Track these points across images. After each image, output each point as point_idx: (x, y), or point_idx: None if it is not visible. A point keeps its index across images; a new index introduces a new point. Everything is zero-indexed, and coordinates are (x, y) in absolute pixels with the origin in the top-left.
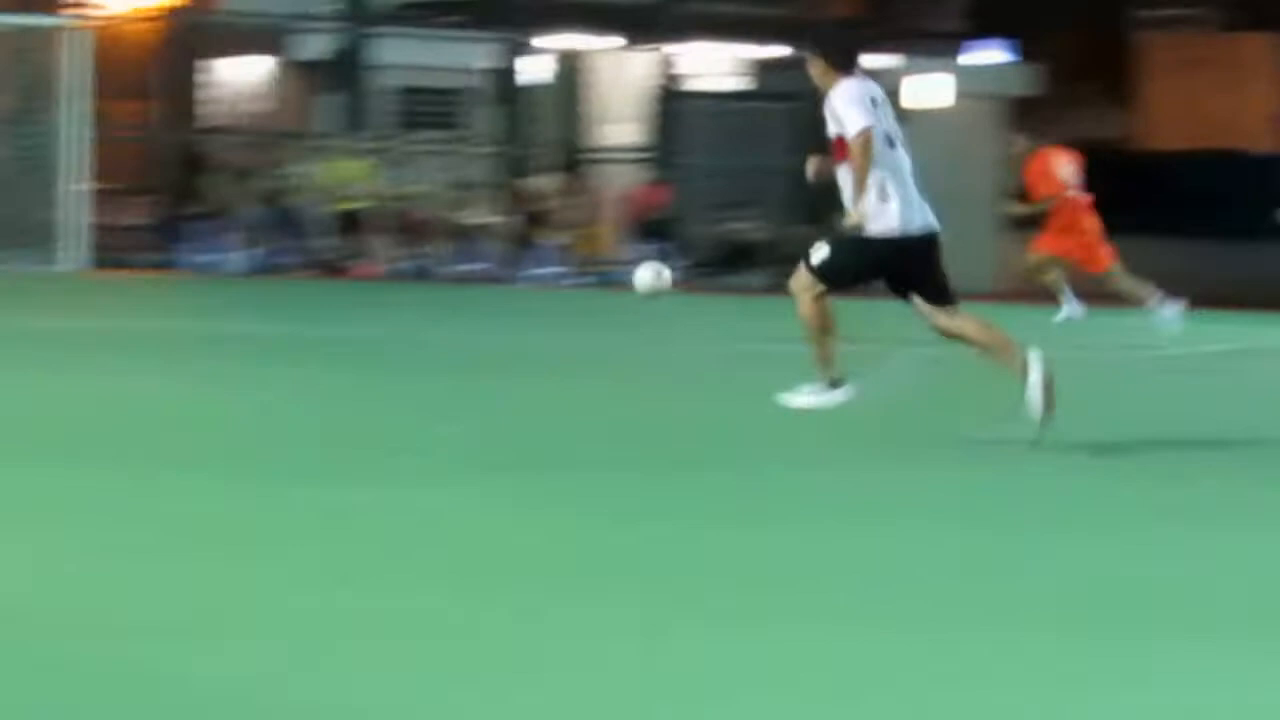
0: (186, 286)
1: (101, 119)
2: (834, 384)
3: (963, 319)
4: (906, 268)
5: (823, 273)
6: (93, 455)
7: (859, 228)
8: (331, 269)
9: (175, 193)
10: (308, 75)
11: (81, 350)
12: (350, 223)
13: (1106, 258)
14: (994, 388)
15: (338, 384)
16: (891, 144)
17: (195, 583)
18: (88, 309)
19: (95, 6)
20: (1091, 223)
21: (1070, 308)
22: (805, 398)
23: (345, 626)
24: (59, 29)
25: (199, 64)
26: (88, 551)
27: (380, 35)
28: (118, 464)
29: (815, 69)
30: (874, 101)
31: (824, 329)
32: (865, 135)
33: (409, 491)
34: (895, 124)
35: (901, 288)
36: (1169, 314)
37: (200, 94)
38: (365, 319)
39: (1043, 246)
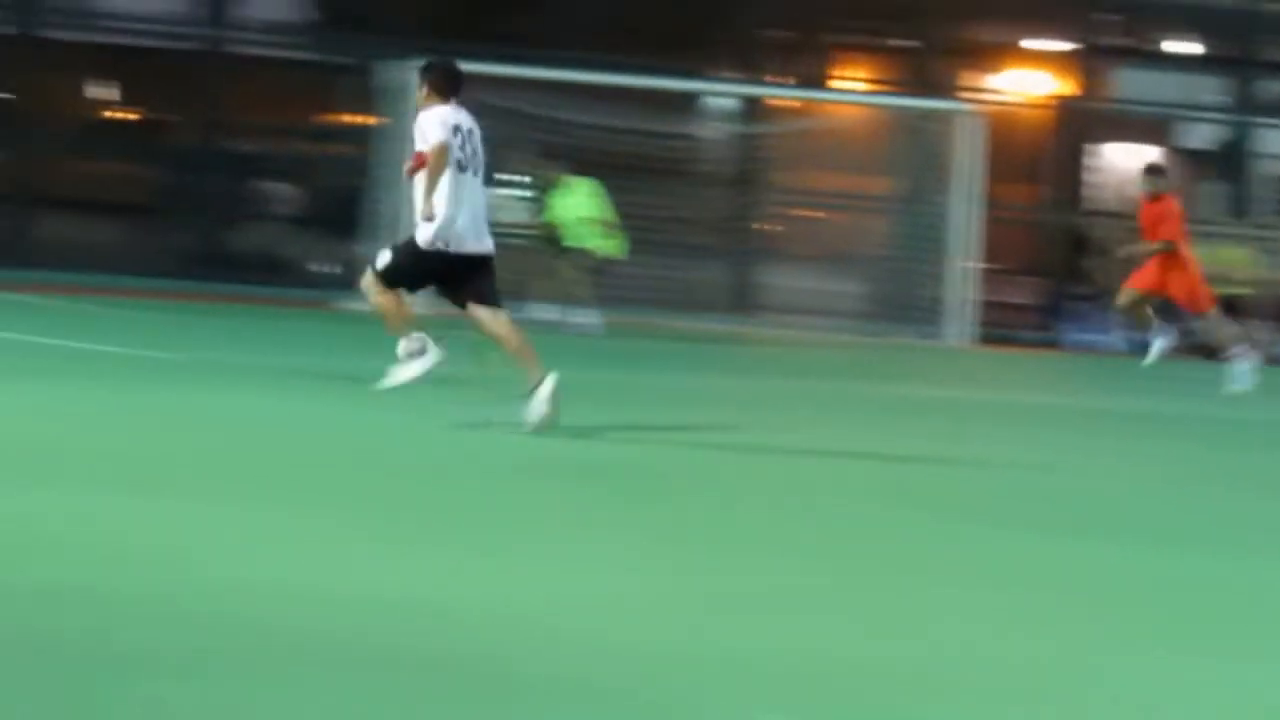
0: (1065, 363)
1: (990, 201)
2: (417, 353)
3: (501, 323)
4: (456, 278)
5: (385, 276)
6: (982, 519)
7: (426, 229)
8: (1208, 351)
9: (1060, 273)
10: (1192, 162)
11: (962, 420)
12: (1230, 308)
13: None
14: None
15: (1210, 459)
16: (463, 169)
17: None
18: (970, 381)
19: (990, 92)
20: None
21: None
22: (400, 373)
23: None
24: (954, 113)
25: (1086, 149)
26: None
27: (1266, 125)
28: (1002, 529)
29: (420, 93)
30: (457, 129)
31: (399, 314)
32: (440, 147)
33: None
34: (475, 154)
35: (451, 294)
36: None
37: (1086, 178)
38: (1232, 402)
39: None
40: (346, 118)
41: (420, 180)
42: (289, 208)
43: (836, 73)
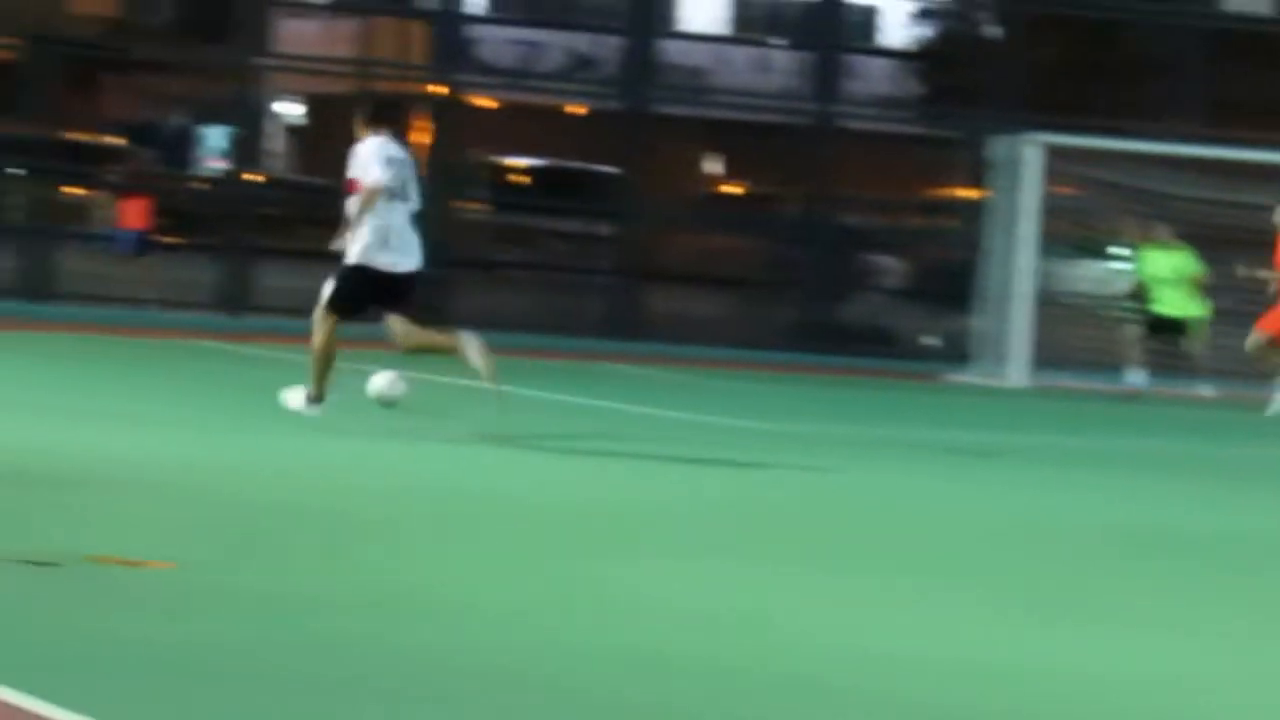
0: None
1: None
2: (318, 399)
3: (411, 328)
4: (395, 294)
5: (334, 301)
6: None
7: (352, 255)
8: None
9: None
10: None
11: None
12: None
13: None
14: None
15: None
16: (394, 197)
17: None
18: None
19: None
20: None
21: None
22: (296, 403)
23: None
24: None
25: None
26: None
27: None
28: None
29: (356, 123)
30: (389, 160)
31: (329, 356)
32: (376, 188)
33: None
34: (407, 183)
35: (387, 308)
36: None
37: None
38: None
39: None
40: (954, 191)
41: (354, 204)
42: (896, 281)
43: None
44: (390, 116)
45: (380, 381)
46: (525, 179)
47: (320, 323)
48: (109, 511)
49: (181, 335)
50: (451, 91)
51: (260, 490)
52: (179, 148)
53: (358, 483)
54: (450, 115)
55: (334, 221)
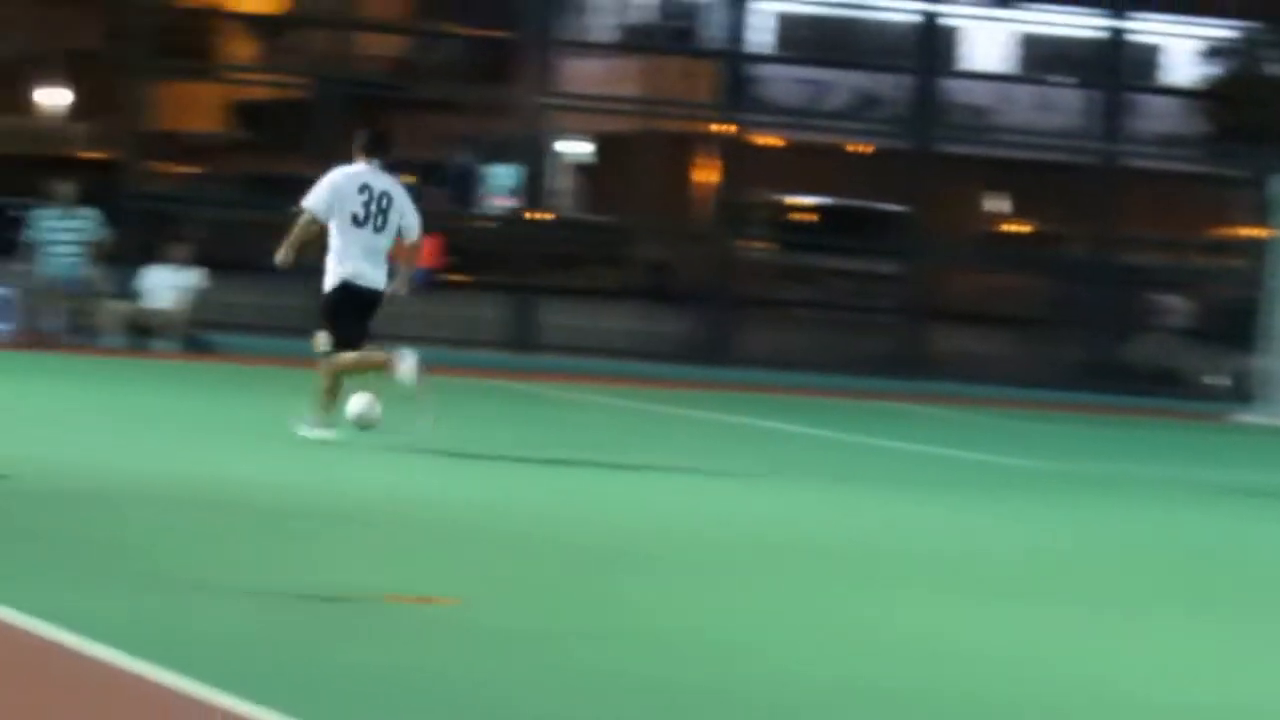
0: None
1: None
2: (328, 424)
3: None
4: (360, 311)
5: (337, 342)
6: None
7: (325, 284)
8: None
9: None
10: None
11: None
12: None
13: None
14: None
15: None
16: (358, 223)
17: None
18: None
19: None
20: None
21: None
22: (309, 430)
23: None
24: None
25: None
26: None
27: None
28: None
29: (354, 148)
30: (362, 187)
31: (335, 388)
32: (307, 211)
33: None
34: (375, 208)
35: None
36: None
37: None
38: None
39: None
40: (1239, 230)
41: (332, 228)
42: (1179, 319)
43: None
44: (383, 149)
45: (358, 404)
46: (810, 217)
47: (329, 365)
48: (393, 547)
49: (469, 373)
50: (737, 130)
51: (541, 526)
52: (465, 186)
53: (632, 520)
54: (735, 154)
55: (620, 260)
